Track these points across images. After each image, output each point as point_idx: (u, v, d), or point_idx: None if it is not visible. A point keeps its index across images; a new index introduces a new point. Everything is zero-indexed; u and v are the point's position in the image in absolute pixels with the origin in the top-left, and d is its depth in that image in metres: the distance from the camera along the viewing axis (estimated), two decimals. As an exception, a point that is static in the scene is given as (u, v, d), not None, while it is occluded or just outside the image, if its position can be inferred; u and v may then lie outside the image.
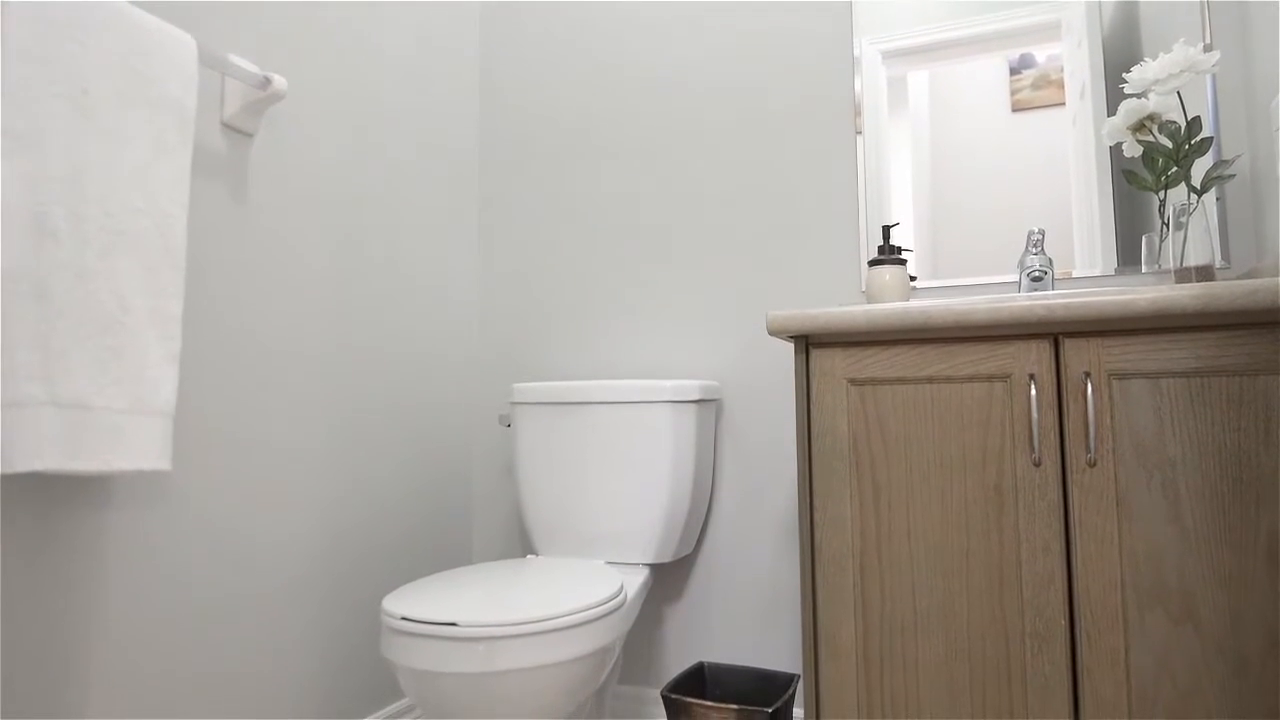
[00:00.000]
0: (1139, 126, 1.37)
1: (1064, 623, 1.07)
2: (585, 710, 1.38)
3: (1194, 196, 1.31)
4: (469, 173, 2.06)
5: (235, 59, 1.29)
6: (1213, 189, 1.40)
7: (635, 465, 1.60)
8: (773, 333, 1.23)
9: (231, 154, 1.39)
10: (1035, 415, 1.08)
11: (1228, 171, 1.38)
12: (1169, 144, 1.34)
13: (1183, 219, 1.30)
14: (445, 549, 1.91)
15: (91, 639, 1.16)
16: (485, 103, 2.11)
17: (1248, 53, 1.42)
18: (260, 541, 1.42)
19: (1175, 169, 1.34)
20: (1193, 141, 1.32)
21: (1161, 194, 1.41)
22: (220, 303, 1.36)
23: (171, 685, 1.26)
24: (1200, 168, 1.44)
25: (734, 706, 1.28)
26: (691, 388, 1.63)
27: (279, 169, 1.49)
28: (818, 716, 1.19)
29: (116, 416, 1.05)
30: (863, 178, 1.69)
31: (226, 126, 1.38)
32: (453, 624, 1.12)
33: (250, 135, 1.42)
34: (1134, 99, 1.35)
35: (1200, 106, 1.46)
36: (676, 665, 1.78)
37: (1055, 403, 1.09)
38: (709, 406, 1.72)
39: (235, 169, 1.40)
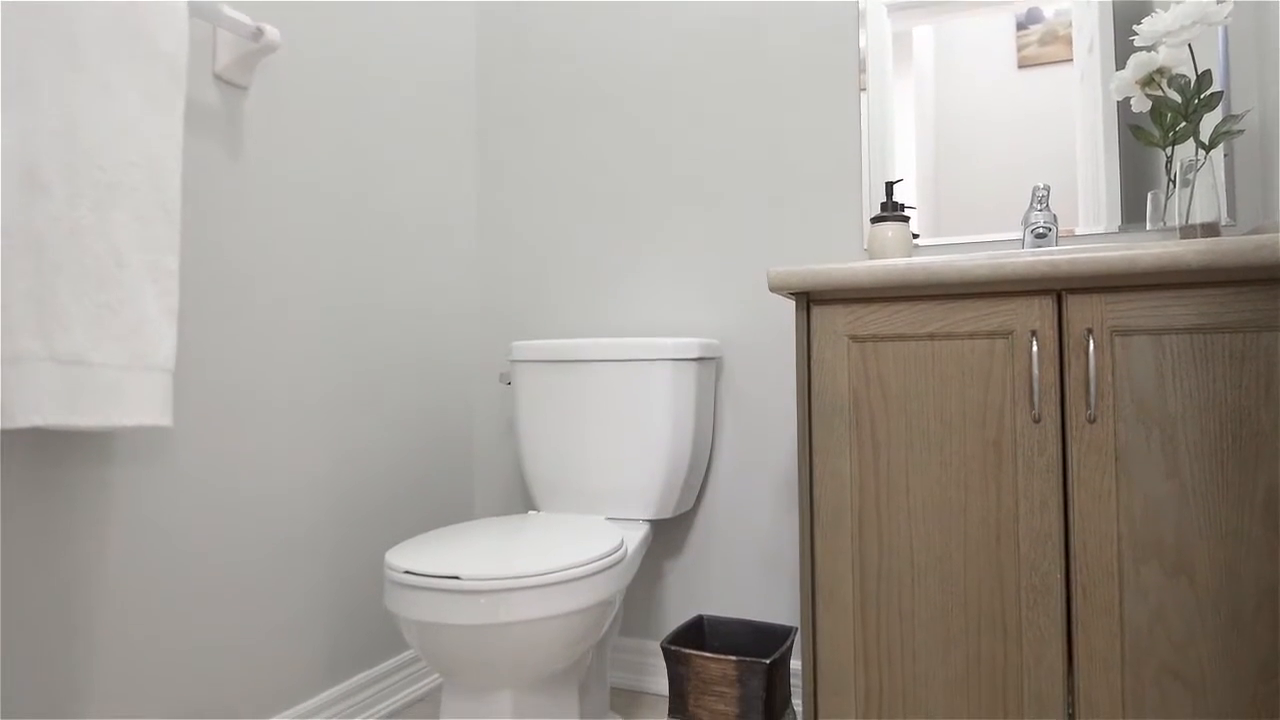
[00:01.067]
0: (1148, 81, 1.34)
1: (1059, 576, 1.08)
2: (587, 661, 1.40)
3: (1202, 152, 1.30)
4: (467, 127, 2.03)
5: (227, 10, 1.26)
6: (1221, 145, 1.39)
7: (635, 422, 1.60)
8: (774, 289, 1.22)
9: (225, 107, 1.37)
10: (1036, 372, 1.08)
11: (1237, 127, 1.36)
12: (1178, 98, 1.32)
13: (1189, 176, 1.28)
14: (447, 505, 1.92)
15: (93, 595, 1.17)
16: (483, 56, 2.07)
17: (1260, 3, 1.39)
18: (263, 498, 1.43)
19: (1184, 124, 1.32)
20: (1202, 96, 1.30)
21: (1168, 150, 1.39)
22: (217, 258, 1.35)
23: (175, 640, 1.28)
24: (1209, 123, 1.42)
25: (732, 658, 1.30)
26: (692, 345, 1.63)
27: (274, 122, 1.46)
28: (815, 667, 1.21)
29: (115, 372, 1.05)
30: (866, 135, 1.67)
31: (219, 79, 1.36)
32: (455, 577, 1.13)
33: (244, 88, 1.40)
34: (1143, 52, 1.32)
35: (1211, 60, 1.43)
36: (676, 618, 1.81)
37: (1057, 359, 1.09)
38: (709, 364, 1.72)
39: (229, 123, 1.38)
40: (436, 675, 1.84)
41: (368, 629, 1.67)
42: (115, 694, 1.18)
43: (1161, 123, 1.34)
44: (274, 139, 1.46)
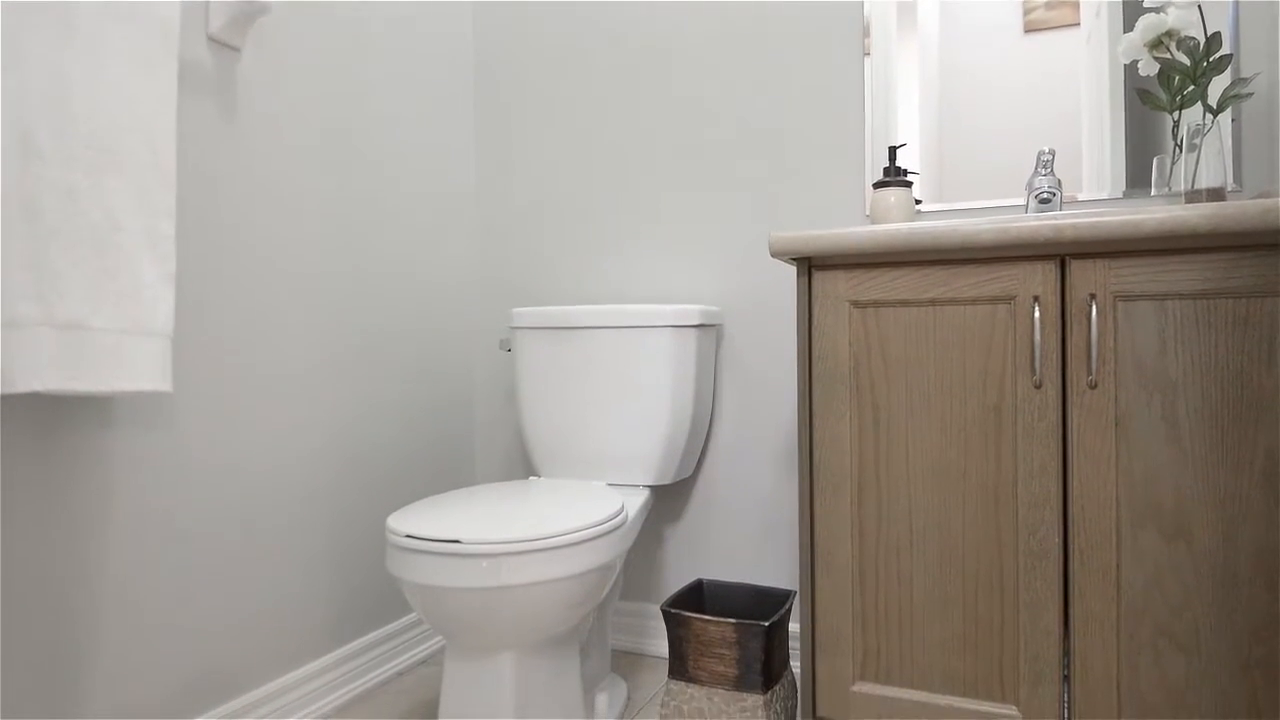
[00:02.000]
0: (1156, 43, 1.32)
1: (1058, 541, 1.09)
2: (588, 624, 1.42)
3: (1209, 116, 1.28)
4: (464, 91, 2.00)
5: (220, -33, 1.24)
6: (1228, 109, 1.37)
7: (636, 389, 1.60)
8: (775, 254, 1.21)
9: (219, 70, 1.35)
10: (1038, 337, 1.07)
11: (1245, 90, 1.35)
12: (1186, 61, 1.30)
13: (1196, 140, 1.27)
14: (448, 471, 1.93)
15: (94, 560, 1.18)
16: (480, 16, 2.03)
17: (1273, -36, 1.36)
18: (265, 463, 1.43)
19: (1191, 88, 1.30)
20: (1211, 59, 1.28)
21: (1175, 115, 1.37)
22: (214, 223, 1.34)
23: (177, 606, 1.29)
24: (1217, 87, 1.40)
25: (731, 621, 1.31)
26: (692, 312, 1.62)
27: (269, 84, 1.44)
28: (813, 630, 1.22)
29: (114, 337, 1.05)
30: (869, 100, 1.65)
31: (213, 41, 1.33)
32: (456, 541, 1.14)
33: (237, 50, 1.38)
34: (1153, 14, 1.30)
35: (1220, 22, 1.41)
36: (676, 583, 1.82)
37: (1059, 325, 1.09)
38: (710, 331, 1.72)
39: (223, 85, 1.36)
40: (440, 637, 1.86)
41: (372, 593, 1.68)
42: (117, 658, 1.20)
43: (1169, 86, 1.33)
44: (269, 101, 1.44)
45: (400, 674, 1.72)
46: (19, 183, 0.97)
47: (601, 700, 1.48)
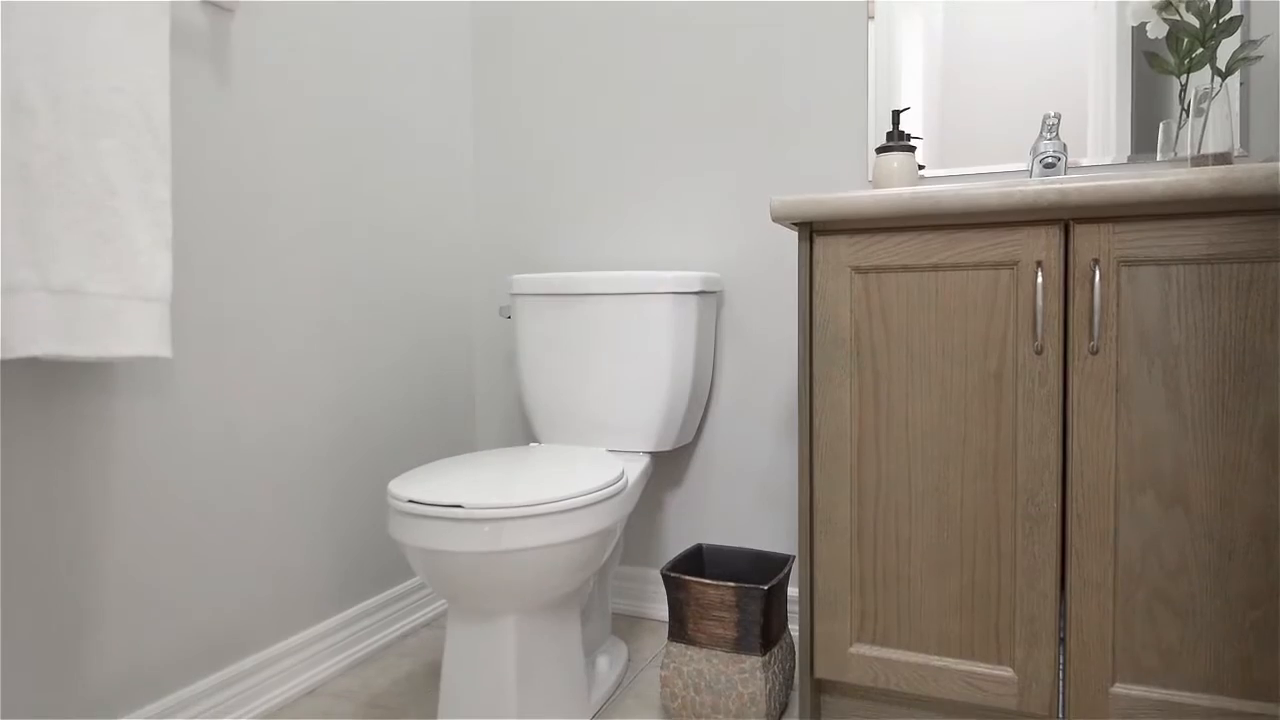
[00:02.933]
0: (1165, 4, 1.30)
1: (1056, 506, 1.09)
2: (589, 589, 1.43)
3: (1218, 79, 1.26)
4: (463, 54, 1.97)
5: (211, -77, 1.21)
6: (1237, 73, 1.35)
7: (636, 356, 1.60)
8: (777, 219, 1.20)
9: (212, 31, 1.33)
10: (1040, 303, 1.07)
11: (1255, 53, 1.33)
12: (1196, 23, 1.28)
13: (1204, 104, 1.25)
14: (448, 438, 1.94)
15: (96, 527, 1.18)
16: (477, -21, 2.00)
17: (1287, -78, 1.34)
18: (266, 429, 1.43)
19: (1200, 51, 1.29)
20: (1221, 20, 1.26)
21: (1183, 78, 1.35)
22: (208, 187, 1.33)
23: (180, 571, 1.30)
24: (1226, 50, 1.38)
25: (731, 584, 1.33)
26: (692, 279, 1.61)
27: (262, 46, 1.42)
28: (811, 593, 1.23)
29: (111, 302, 1.04)
30: (873, 64, 1.62)
31: (205, 1, 1.31)
32: (458, 506, 1.14)
33: (230, 10, 1.35)
34: (1163, -27, 1.28)
35: (1232, -18, 1.38)
36: (676, 548, 1.84)
37: (1061, 290, 1.08)
38: (710, 298, 1.71)
39: (216, 47, 1.33)
40: (442, 601, 1.88)
41: (374, 557, 1.69)
42: (119, 624, 1.21)
43: (1177, 49, 1.31)
44: (262, 63, 1.42)
45: (403, 637, 1.75)
46: (13, 145, 0.95)
47: (602, 662, 1.50)
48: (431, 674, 1.56)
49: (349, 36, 1.61)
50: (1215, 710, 1.02)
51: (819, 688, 1.26)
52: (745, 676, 1.32)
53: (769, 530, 1.75)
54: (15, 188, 0.96)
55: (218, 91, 1.33)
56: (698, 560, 1.55)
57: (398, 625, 1.75)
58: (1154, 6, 1.31)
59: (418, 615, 1.81)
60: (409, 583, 1.80)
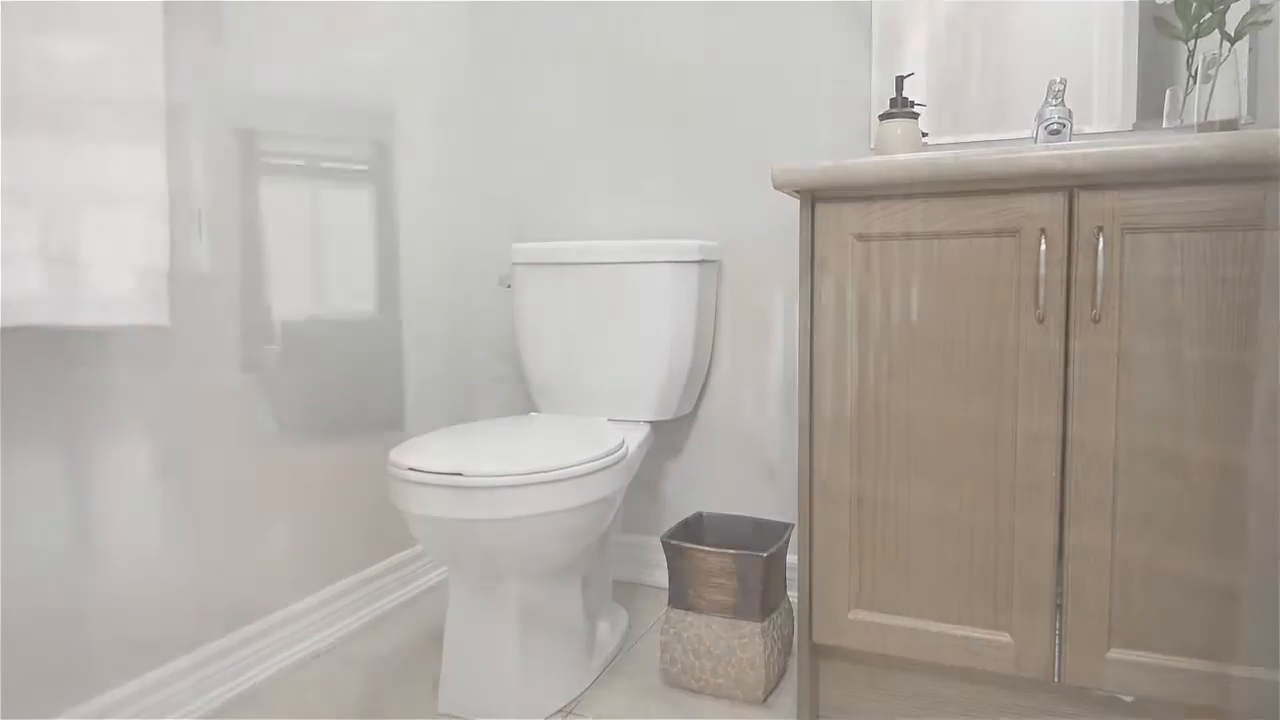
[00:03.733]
0: (1175, -33, 1.28)
1: (1055, 475, 1.10)
2: (589, 556, 1.44)
3: (1226, 45, 1.25)
4: (462, 19, 1.94)
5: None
6: (1246, 38, 1.33)
7: (636, 325, 1.60)
8: (778, 186, 1.19)
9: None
10: (1043, 271, 1.06)
11: (1265, 17, 1.31)
12: (1206, -15, 1.26)
13: (1211, 71, 1.24)
14: (448, 407, 1.94)
15: (96, 497, 1.18)
16: (475, -59, 1.96)
17: (1301, -118, 1.31)
18: (265, 399, 1.43)
19: (1209, 15, 1.27)
20: (1231, -17, 1.24)
21: (1191, 44, 1.33)
22: (206, 156, 1.31)
23: (180, 544, 1.30)
24: (1235, 15, 1.35)
25: (730, 551, 1.34)
26: (691, 247, 1.61)
27: (255, 12, 1.39)
28: (810, 561, 1.24)
29: (107, 271, 1.04)
30: (876, 30, 1.60)
31: (199, -40, 1.29)
32: (458, 474, 1.15)
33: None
34: (1174, -66, 1.25)
35: (1243, -56, 1.36)
36: (676, 516, 1.85)
37: (1064, 258, 1.07)
38: (710, 267, 1.70)
39: (209, 9, 1.31)
40: (444, 568, 1.89)
41: (376, 525, 1.70)
42: (121, 596, 1.21)
43: (1186, 13, 1.29)
44: (255, 21, 1.40)
45: (406, 604, 1.76)
46: (7, 111, 0.94)
47: (603, 628, 1.51)
48: (433, 640, 1.58)
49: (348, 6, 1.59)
50: (1210, 676, 1.04)
51: (817, 652, 1.28)
52: (744, 642, 1.33)
53: (769, 498, 1.76)
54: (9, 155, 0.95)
55: (210, 52, 1.31)
56: (698, 528, 1.56)
57: (399, 592, 1.76)
58: (1163, -30, 1.29)
59: (421, 582, 1.83)
60: (410, 550, 1.81)
